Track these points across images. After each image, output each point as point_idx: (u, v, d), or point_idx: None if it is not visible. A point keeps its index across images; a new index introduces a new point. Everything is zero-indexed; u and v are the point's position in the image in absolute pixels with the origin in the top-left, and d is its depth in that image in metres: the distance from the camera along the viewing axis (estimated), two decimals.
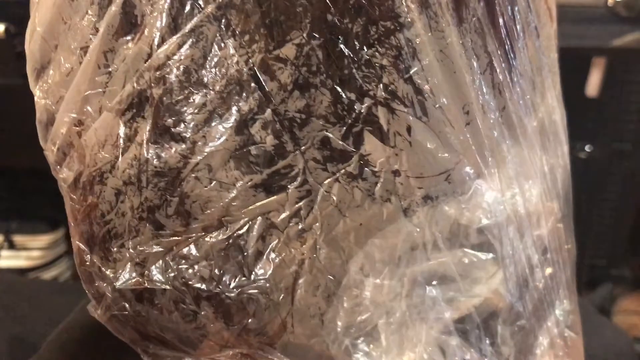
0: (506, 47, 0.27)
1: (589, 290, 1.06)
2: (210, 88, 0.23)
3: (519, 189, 0.28)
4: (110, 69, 0.24)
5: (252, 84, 0.23)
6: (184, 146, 0.24)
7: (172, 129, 0.24)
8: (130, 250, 0.26)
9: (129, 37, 0.24)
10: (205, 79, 0.23)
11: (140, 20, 0.24)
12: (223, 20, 0.23)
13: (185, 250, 0.25)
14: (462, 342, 0.28)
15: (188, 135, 0.24)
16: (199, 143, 0.24)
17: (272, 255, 0.25)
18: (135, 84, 0.24)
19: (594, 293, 1.05)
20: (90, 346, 0.39)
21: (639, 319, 1.10)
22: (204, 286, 0.25)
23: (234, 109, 0.23)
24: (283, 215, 0.24)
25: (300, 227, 0.25)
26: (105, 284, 0.27)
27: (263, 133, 0.23)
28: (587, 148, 0.97)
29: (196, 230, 0.25)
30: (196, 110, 0.23)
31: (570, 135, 0.33)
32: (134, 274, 0.26)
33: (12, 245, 1.18)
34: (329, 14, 0.23)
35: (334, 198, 0.24)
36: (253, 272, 0.25)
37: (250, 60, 0.23)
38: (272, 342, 0.26)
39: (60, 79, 0.26)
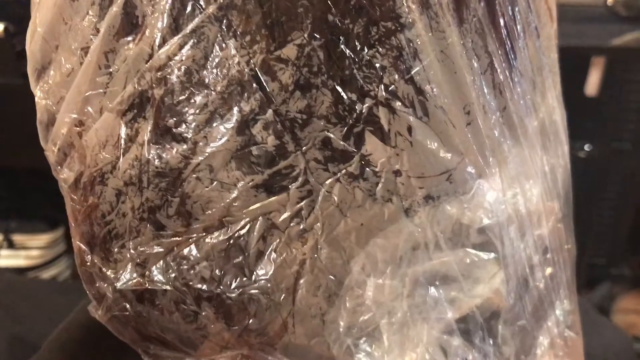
0: (507, 47, 0.27)
1: (588, 289, 1.06)
2: (212, 88, 0.23)
3: (520, 188, 0.28)
4: (111, 70, 0.24)
5: (254, 85, 0.23)
6: (185, 147, 0.24)
7: (174, 130, 0.24)
8: (131, 251, 0.26)
9: (130, 38, 0.24)
10: (207, 80, 0.23)
11: (142, 21, 0.24)
12: (224, 21, 0.23)
13: (186, 250, 0.25)
14: (463, 342, 0.28)
15: (189, 135, 0.24)
16: (200, 143, 0.24)
17: (273, 255, 0.25)
18: (136, 85, 0.24)
19: (593, 292, 1.06)
20: (90, 346, 0.39)
21: (638, 317, 1.10)
22: (204, 287, 0.25)
23: (235, 109, 0.23)
24: (284, 216, 0.24)
25: (301, 227, 0.25)
26: (106, 285, 0.27)
27: (264, 133, 0.23)
28: (587, 147, 0.97)
29: (197, 230, 0.25)
30: (197, 111, 0.23)
31: (570, 135, 0.33)
32: (134, 275, 0.26)
33: (11, 245, 1.19)
34: (330, 15, 0.23)
35: (335, 198, 0.24)
36: (254, 273, 0.25)
37: (251, 61, 0.23)
38: (272, 343, 0.26)
39: (61, 80, 0.26)
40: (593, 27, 0.81)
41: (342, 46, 0.23)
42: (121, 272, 0.26)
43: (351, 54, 0.23)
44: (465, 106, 0.25)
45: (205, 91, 0.23)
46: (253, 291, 0.25)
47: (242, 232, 0.25)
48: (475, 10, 0.25)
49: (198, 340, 0.27)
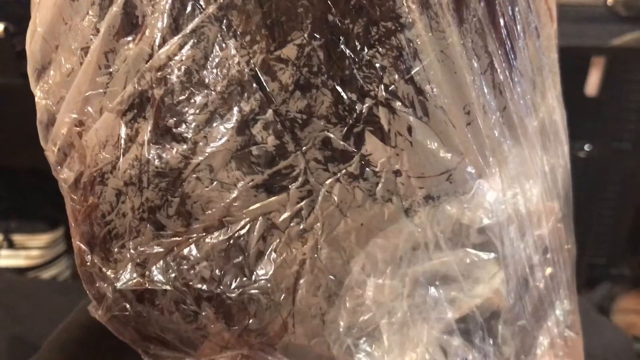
0: (507, 47, 0.27)
1: (588, 289, 1.06)
2: (212, 89, 0.23)
3: (520, 188, 0.28)
4: (111, 70, 0.24)
5: (254, 85, 0.23)
6: (185, 147, 0.24)
7: (174, 130, 0.24)
8: (131, 251, 0.26)
9: (130, 38, 0.24)
10: (207, 80, 0.23)
11: (141, 21, 0.24)
12: (224, 21, 0.23)
13: (186, 250, 0.25)
14: (463, 342, 0.28)
15: (189, 135, 0.24)
16: (200, 143, 0.24)
17: (273, 255, 0.25)
18: (136, 85, 0.24)
19: (593, 292, 1.06)
20: (90, 346, 0.39)
21: (638, 317, 1.10)
22: (204, 287, 0.25)
23: (235, 109, 0.23)
24: (284, 216, 0.24)
25: (301, 227, 0.25)
26: (106, 285, 0.27)
27: (264, 133, 0.23)
28: (587, 147, 0.97)
29: (197, 230, 0.25)
30: (197, 111, 0.23)
31: (570, 135, 0.33)
32: (134, 275, 0.26)
33: (11, 245, 1.18)
34: (330, 15, 0.23)
35: (335, 198, 0.24)
36: (254, 273, 0.25)
37: (251, 61, 0.23)
38: (272, 343, 0.26)
39: (61, 80, 0.26)
40: (593, 27, 0.81)
41: (342, 46, 0.23)
42: (121, 272, 0.26)
43: (351, 54, 0.23)
44: (465, 106, 0.25)
45: (205, 91, 0.23)
46: (253, 291, 0.25)
47: (242, 232, 0.25)
48: (475, 10, 0.25)
49: (198, 340, 0.27)
